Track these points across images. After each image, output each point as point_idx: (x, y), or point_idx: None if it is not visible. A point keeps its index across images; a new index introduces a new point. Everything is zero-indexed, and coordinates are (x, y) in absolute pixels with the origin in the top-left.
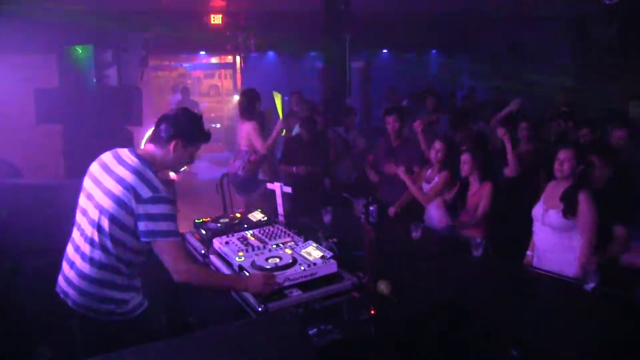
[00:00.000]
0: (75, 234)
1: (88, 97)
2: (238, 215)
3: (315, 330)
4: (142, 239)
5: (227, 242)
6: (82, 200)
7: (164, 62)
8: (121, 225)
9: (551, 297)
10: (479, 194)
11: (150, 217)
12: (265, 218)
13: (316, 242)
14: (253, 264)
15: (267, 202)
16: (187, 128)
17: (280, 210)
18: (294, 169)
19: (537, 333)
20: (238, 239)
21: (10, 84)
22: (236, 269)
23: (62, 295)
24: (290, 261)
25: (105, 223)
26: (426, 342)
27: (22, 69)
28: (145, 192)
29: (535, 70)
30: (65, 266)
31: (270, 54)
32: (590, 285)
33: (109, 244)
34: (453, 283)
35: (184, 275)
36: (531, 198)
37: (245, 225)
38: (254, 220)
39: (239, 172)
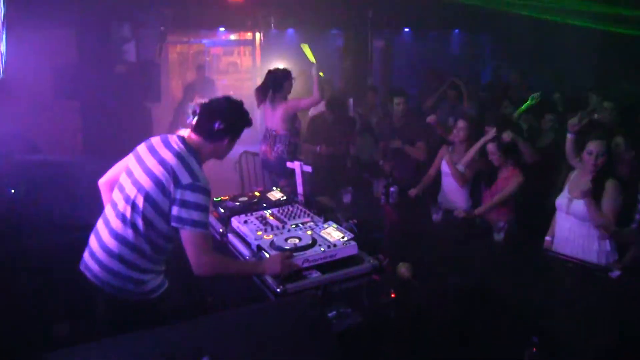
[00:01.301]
0: (108, 209)
1: (106, 73)
2: (257, 194)
3: (334, 312)
4: (172, 224)
5: (245, 222)
6: (122, 177)
7: (183, 38)
8: (155, 206)
9: (574, 283)
10: (507, 182)
11: (184, 204)
12: (285, 197)
13: (336, 222)
14: (272, 244)
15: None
16: (238, 123)
17: (299, 189)
18: (318, 148)
19: (559, 320)
20: (257, 218)
21: (28, 59)
22: (254, 248)
23: (82, 268)
24: (310, 242)
25: (140, 201)
26: (446, 326)
27: (40, 45)
28: (185, 178)
29: (562, 51)
30: (92, 239)
31: (290, 31)
32: (615, 273)
33: (140, 222)
34: (474, 267)
35: (205, 269)
36: (551, 187)
37: (264, 205)
38: (273, 199)
39: (283, 156)
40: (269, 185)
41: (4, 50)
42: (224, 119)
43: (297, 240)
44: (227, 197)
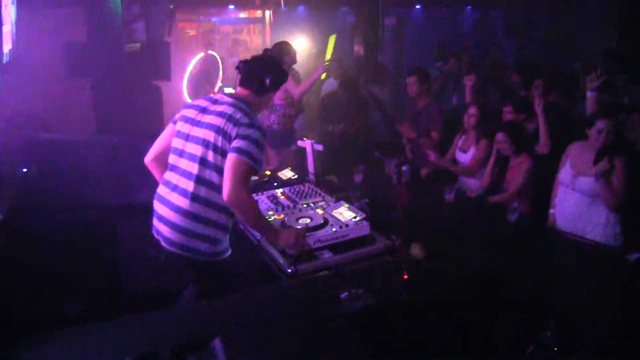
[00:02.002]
0: (169, 175)
1: (116, 52)
2: (268, 173)
3: (346, 293)
4: (229, 153)
5: (256, 201)
6: (176, 142)
7: (192, 17)
8: (223, 154)
9: (591, 265)
10: (518, 169)
11: (244, 137)
12: (296, 176)
13: (348, 202)
14: (283, 224)
15: (300, 157)
16: (282, 79)
17: (311, 168)
18: (330, 126)
19: (575, 303)
20: (268, 197)
21: (38, 38)
22: None
23: (155, 235)
24: (322, 222)
25: (210, 154)
26: (460, 308)
27: (50, 23)
28: (243, 118)
29: (578, 26)
30: (157, 206)
31: (301, 8)
32: (634, 255)
33: (214, 176)
34: (488, 248)
35: (235, 197)
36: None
37: (275, 184)
38: (284, 178)
39: (274, 126)
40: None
41: (15, 29)
42: (272, 75)
43: (308, 220)
44: None
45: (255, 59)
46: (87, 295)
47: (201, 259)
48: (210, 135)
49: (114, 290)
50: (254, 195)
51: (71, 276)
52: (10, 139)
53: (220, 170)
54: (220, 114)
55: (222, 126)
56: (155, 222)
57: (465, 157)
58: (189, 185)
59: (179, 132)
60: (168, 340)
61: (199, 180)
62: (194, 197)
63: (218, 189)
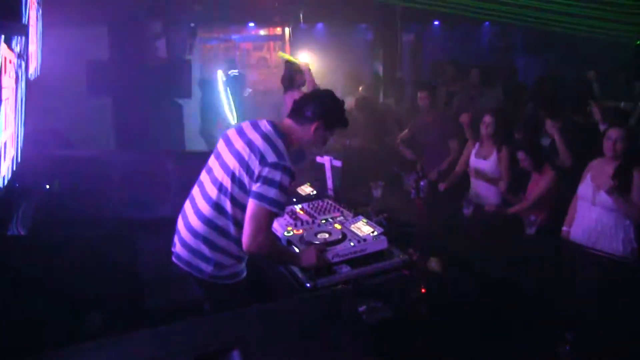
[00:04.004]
0: (195, 191)
1: (138, 70)
2: None
3: (364, 307)
4: (250, 198)
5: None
6: (211, 160)
7: (213, 34)
8: (241, 186)
9: (608, 278)
10: (540, 181)
11: (266, 181)
12: (315, 192)
13: (366, 217)
14: (302, 239)
15: (314, 170)
16: (332, 112)
17: (329, 184)
18: (347, 141)
19: (593, 315)
20: (287, 213)
21: (62, 56)
22: (284, 243)
23: (172, 248)
24: (340, 237)
25: (228, 183)
26: (477, 322)
27: (73, 41)
28: (271, 157)
29: (594, 44)
30: (179, 220)
31: (320, 25)
32: None
33: (228, 204)
34: (506, 262)
35: (256, 248)
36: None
37: (294, 199)
38: (303, 194)
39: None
40: None
41: (40, 48)
42: (316, 104)
43: (327, 235)
44: None
45: (313, 90)
46: (107, 309)
47: (206, 280)
48: (235, 166)
49: (134, 305)
50: None
51: (92, 290)
52: (34, 155)
53: (236, 202)
54: (249, 144)
55: (247, 160)
56: (175, 237)
57: (487, 165)
58: (205, 209)
59: (216, 148)
60: (188, 352)
61: (216, 206)
62: (207, 222)
63: (232, 219)
